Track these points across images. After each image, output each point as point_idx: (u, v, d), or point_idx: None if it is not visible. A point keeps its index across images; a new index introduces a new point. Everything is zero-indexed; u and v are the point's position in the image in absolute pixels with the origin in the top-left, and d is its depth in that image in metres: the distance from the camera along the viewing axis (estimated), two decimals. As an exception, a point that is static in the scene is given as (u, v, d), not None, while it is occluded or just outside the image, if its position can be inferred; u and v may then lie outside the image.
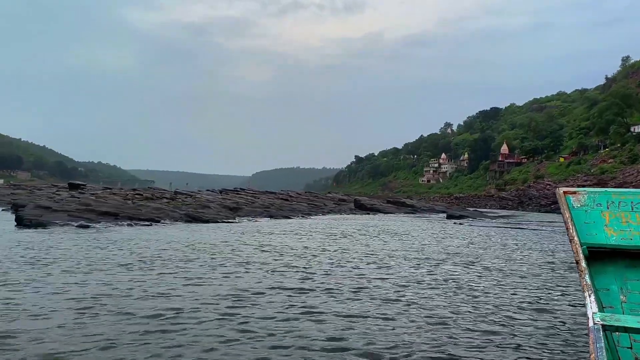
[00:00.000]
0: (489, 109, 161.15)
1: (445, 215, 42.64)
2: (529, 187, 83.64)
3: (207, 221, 25.23)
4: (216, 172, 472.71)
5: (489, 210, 64.63)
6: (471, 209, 60.89)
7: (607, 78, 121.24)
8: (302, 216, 34.33)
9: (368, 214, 44.19)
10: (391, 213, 46.54)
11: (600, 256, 3.26)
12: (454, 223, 33.27)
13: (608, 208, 3.30)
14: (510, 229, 28.46)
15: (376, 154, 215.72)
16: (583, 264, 3.10)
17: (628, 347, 3.09)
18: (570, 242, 3.27)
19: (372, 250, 15.21)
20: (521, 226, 30.59)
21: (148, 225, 21.63)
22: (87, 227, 19.34)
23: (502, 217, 46.38)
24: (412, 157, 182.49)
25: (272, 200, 42.44)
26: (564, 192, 3.48)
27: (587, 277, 3.01)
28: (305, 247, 15.66)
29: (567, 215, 3.34)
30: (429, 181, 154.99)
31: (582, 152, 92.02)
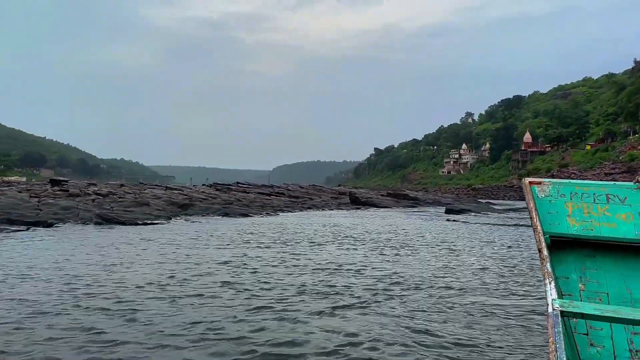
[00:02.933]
0: (511, 97, 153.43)
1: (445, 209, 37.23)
2: (552, 177, 77.47)
3: (122, 222, 20.53)
4: (237, 167, 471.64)
5: (502, 202, 58.81)
6: (483, 200, 55.30)
7: (635, 61, 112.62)
8: (266, 214, 29.43)
9: (359, 208, 39.09)
10: (387, 207, 41.32)
11: (561, 245, 3.34)
12: (447, 220, 27.96)
13: (571, 199, 3.38)
14: (501, 226, 23.21)
15: (395, 146, 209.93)
16: (545, 252, 3.12)
17: (584, 334, 3.16)
18: (534, 230, 3.25)
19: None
20: (523, 222, 25.15)
21: (23, 230, 16.97)
22: None
23: (513, 210, 40.75)
24: (431, 148, 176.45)
25: (253, 195, 37.74)
26: (530, 182, 3.51)
27: (548, 265, 3.04)
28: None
29: (532, 204, 3.38)
30: (449, 172, 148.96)
31: (610, 139, 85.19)
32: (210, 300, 7.46)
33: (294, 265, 10.81)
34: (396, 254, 12.96)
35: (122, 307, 6.88)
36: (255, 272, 9.88)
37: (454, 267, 11.02)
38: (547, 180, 3.50)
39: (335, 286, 8.59)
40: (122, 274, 9.51)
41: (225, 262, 10.99)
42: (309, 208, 36.24)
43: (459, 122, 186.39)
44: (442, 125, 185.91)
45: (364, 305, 7.31)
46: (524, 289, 8.56)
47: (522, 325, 6.23)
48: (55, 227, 18.80)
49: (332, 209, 37.21)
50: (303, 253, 12.94)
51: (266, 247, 14.00)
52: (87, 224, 20.05)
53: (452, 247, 14.92)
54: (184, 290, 8.13)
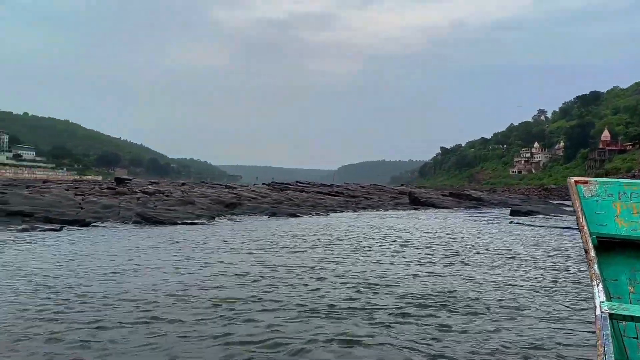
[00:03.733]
0: (588, 93, 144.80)
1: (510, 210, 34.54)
2: (633, 177, 71.86)
3: (161, 222, 19.81)
4: (303, 166, 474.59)
5: (577, 204, 54.62)
6: (555, 201, 51.54)
7: None
8: (316, 214, 28.12)
9: (417, 209, 37.07)
10: (447, 208, 38.99)
11: (610, 247, 3.20)
12: (510, 223, 25.58)
13: (620, 199, 3.22)
14: (572, 229, 20.73)
15: (463, 145, 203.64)
16: (592, 253, 3.03)
17: (634, 337, 3.06)
18: (580, 231, 3.17)
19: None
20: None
21: (57, 229, 16.45)
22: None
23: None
24: (501, 147, 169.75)
25: (307, 194, 36.59)
26: (575, 182, 3.36)
27: (595, 266, 2.96)
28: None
29: (578, 204, 3.27)
30: (519, 172, 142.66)
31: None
32: (197, 323, 6.17)
33: (319, 278, 9.37)
34: (446, 264, 11.24)
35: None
36: (270, 285, 8.52)
37: (512, 281, 9.23)
38: (593, 179, 3.37)
39: (358, 306, 7.10)
40: (113, 282, 8.43)
41: (239, 274, 9.68)
42: (364, 208, 34.63)
43: (530, 120, 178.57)
44: (512, 124, 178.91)
45: (385, 331, 5.81)
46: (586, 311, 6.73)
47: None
48: (92, 226, 18.28)
49: (387, 209, 35.40)
50: (336, 260, 11.48)
51: (297, 252, 12.63)
52: (125, 223, 19.47)
53: (511, 254, 12.99)
54: (164, 310, 6.90)
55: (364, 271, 9.94)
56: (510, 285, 8.89)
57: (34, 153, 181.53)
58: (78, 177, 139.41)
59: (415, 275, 9.65)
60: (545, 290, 8.44)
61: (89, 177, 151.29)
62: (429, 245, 14.77)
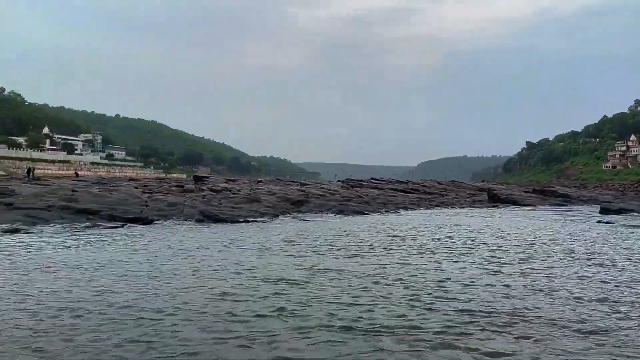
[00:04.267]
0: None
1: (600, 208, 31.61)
2: None
3: (223, 220, 19.51)
4: (382, 163, 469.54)
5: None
6: (655, 198, 47.04)
7: None
8: (385, 212, 26.97)
9: (496, 206, 34.87)
10: (530, 205, 36.39)
11: None
12: (599, 222, 23.15)
13: None
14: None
15: (551, 139, 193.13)
16: None
17: None
18: None
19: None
20: None
21: (118, 227, 16.46)
22: (15, 231, 14.69)
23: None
24: (593, 140, 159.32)
25: (377, 192, 35.49)
26: None
27: None
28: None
29: None
30: (614, 167, 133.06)
31: None
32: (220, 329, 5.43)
33: (368, 287, 8.40)
34: (518, 272, 9.86)
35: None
36: (309, 294, 7.66)
37: (597, 297, 7.80)
38: None
39: (405, 325, 6.08)
40: (149, 284, 7.88)
41: (282, 279, 8.89)
42: (437, 206, 33.00)
43: (626, 111, 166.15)
44: (605, 116, 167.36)
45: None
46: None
47: None
48: (155, 223, 18.27)
49: (463, 207, 33.51)
50: (394, 264, 10.43)
51: (355, 255, 11.68)
52: (188, 221, 19.34)
53: (599, 261, 11.33)
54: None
55: (423, 280, 8.81)
56: (601, 301, 7.47)
57: (124, 153, 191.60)
58: (163, 175, 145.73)
59: (478, 285, 8.43)
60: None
61: (174, 174, 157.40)
62: (500, 248, 13.32)
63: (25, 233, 14.40)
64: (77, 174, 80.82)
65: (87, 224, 16.24)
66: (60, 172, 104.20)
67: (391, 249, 12.83)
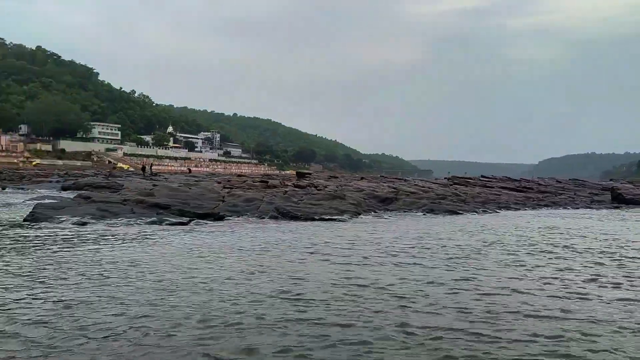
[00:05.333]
0: None
1: None
2: None
3: (297, 217, 18.47)
4: (500, 161, 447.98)
5: None
6: None
7: None
8: (482, 211, 24.42)
9: (618, 207, 30.62)
10: (663, 208, 31.54)
11: None
12: None
13: None
14: None
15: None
16: None
17: None
18: None
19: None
20: None
21: (184, 223, 15.97)
22: (84, 224, 14.70)
23: None
24: None
25: (478, 189, 32.70)
26: None
27: None
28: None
29: None
30: None
31: None
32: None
33: (429, 305, 6.80)
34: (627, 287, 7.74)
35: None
36: (327, 323, 6.25)
37: None
38: None
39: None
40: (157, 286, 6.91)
41: (311, 295, 7.54)
42: (546, 206, 29.56)
43: None
44: None
45: None
46: None
47: None
48: (226, 219, 17.67)
49: (577, 208, 29.70)
50: (468, 279, 8.62)
51: (422, 264, 9.99)
52: (262, 218, 18.54)
53: None
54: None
55: (503, 303, 6.94)
56: None
57: (241, 150, 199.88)
58: (277, 171, 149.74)
59: (568, 311, 6.48)
60: None
61: (287, 171, 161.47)
62: (608, 256, 10.85)
63: (83, 225, 14.43)
64: (189, 170, 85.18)
65: (153, 218, 15.96)
66: (175, 168, 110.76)
67: (473, 257, 10.91)
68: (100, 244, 11.31)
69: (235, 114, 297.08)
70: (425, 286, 7.80)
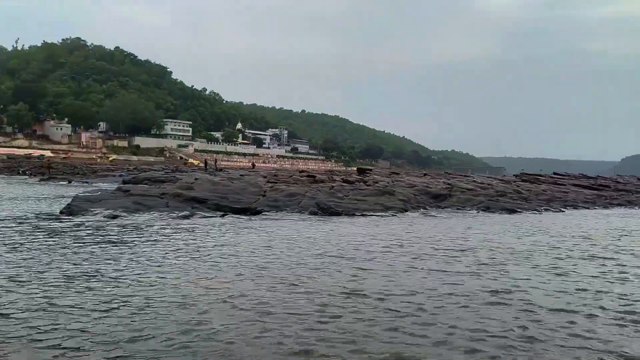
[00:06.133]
0: None
1: None
2: None
3: (338, 213, 17.61)
4: (580, 158, 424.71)
5: None
6: None
7: None
8: (544, 210, 22.50)
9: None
10: None
11: None
12: None
13: None
14: None
15: None
16: None
17: None
18: None
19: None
20: None
21: (216, 217, 15.49)
22: (114, 217, 14.52)
23: None
24: None
25: (544, 187, 30.52)
26: None
27: None
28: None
29: None
30: None
31: None
32: None
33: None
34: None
35: None
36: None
37: None
38: None
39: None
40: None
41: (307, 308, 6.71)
42: (621, 204, 27.04)
43: None
44: None
45: None
46: None
47: None
48: (263, 214, 17.09)
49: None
50: (506, 289, 7.53)
51: (459, 272, 8.92)
52: (301, 213, 17.82)
53: None
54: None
55: (546, 325, 5.86)
56: None
57: (308, 146, 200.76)
58: (344, 167, 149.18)
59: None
60: None
61: (354, 167, 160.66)
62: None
63: (113, 218, 14.28)
64: (253, 165, 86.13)
65: (185, 212, 15.61)
66: (242, 164, 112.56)
67: (521, 263, 9.70)
68: (117, 237, 10.98)
69: (303, 111, 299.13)
70: (434, 301, 6.75)
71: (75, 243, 10.13)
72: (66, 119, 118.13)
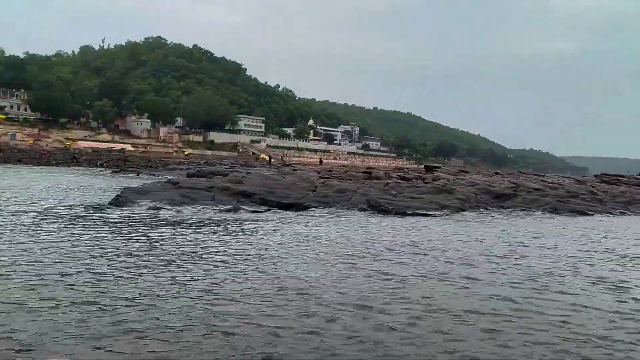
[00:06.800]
0: None
1: None
2: None
3: (387, 211, 16.82)
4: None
5: None
6: None
7: None
8: (619, 213, 20.62)
9: None
10: None
11: None
12: None
13: None
14: None
15: None
16: None
17: None
18: None
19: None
20: None
21: (259, 212, 15.14)
22: (157, 209, 14.49)
23: None
24: None
25: (623, 188, 28.14)
26: None
27: None
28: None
29: None
30: None
31: None
32: None
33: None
34: None
35: None
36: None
37: None
38: None
39: None
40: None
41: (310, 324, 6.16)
42: None
43: None
44: None
45: None
46: None
47: None
48: (309, 210, 16.64)
49: None
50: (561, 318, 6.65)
51: (464, 277, 8.07)
52: (350, 210, 17.21)
53: None
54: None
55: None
56: None
57: (379, 143, 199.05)
58: (415, 165, 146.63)
59: None
60: None
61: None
62: None
63: (155, 209, 14.27)
64: (320, 161, 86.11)
65: (229, 206, 15.39)
66: (312, 160, 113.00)
67: (585, 272, 8.67)
68: (146, 229, 10.87)
69: (375, 108, 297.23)
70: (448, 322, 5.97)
71: (102, 234, 10.09)
72: (146, 115, 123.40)
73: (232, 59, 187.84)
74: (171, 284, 6.42)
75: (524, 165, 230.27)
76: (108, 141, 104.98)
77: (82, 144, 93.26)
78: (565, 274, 8.19)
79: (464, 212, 18.26)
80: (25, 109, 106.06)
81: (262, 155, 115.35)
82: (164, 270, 7.11)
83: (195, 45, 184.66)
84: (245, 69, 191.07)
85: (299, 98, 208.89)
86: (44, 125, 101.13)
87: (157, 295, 5.86)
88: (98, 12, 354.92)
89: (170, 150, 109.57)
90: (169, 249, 8.73)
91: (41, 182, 25.75)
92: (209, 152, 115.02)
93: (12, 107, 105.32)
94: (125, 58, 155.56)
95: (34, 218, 11.98)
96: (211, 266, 7.55)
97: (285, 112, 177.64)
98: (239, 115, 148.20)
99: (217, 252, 8.70)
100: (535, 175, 47.33)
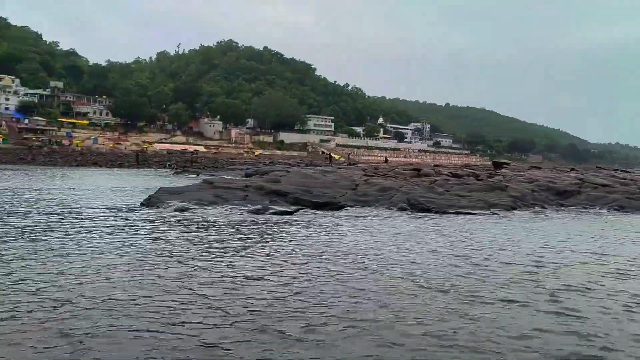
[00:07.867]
0: None
1: None
2: None
3: (428, 210, 15.79)
4: None
5: None
6: None
7: None
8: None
9: None
10: None
11: None
12: None
13: None
14: None
15: None
16: None
17: None
18: None
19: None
20: None
21: (288, 213, 14.55)
22: (184, 210, 14.23)
23: None
24: None
25: None
26: None
27: None
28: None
29: None
30: None
31: None
32: None
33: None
34: None
35: None
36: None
37: None
38: None
39: None
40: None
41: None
42: None
43: None
44: None
45: None
46: None
47: None
48: (345, 209, 15.93)
49: None
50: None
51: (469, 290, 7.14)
52: (389, 209, 16.33)
53: None
54: None
55: None
56: None
57: (451, 140, 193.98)
58: (489, 161, 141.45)
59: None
60: None
61: (500, 162, 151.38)
62: None
63: (182, 211, 14.06)
64: (386, 160, 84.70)
65: (258, 206, 14.90)
66: (380, 158, 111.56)
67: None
68: (150, 230, 10.64)
69: (447, 104, 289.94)
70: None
71: (103, 234, 9.94)
72: (218, 117, 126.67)
73: (301, 60, 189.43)
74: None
75: (609, 161, 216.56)
76: (182, 143, 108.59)
77: (158, 146, 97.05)
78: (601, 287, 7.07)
79: (515, 211, 16.90)
80: (107, 114, 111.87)
81: (333, 155, 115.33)
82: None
83: (265, 47, 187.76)
84: (315, 69, 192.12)
85: (368, 96, 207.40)
86: (124, 129, 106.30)
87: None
88: (174, 18, 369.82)
89: (242, 151, 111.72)
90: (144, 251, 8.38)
91: (99, 183, 26.58)
92: (279, 152, 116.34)
93: (94, 112, 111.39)
94: (198, 62, 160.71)
95: (57, 221, 12.01)
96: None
97: (354, 110, 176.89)
98: (308, 115, 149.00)
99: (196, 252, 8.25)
100: (616, 171, 44.00)
